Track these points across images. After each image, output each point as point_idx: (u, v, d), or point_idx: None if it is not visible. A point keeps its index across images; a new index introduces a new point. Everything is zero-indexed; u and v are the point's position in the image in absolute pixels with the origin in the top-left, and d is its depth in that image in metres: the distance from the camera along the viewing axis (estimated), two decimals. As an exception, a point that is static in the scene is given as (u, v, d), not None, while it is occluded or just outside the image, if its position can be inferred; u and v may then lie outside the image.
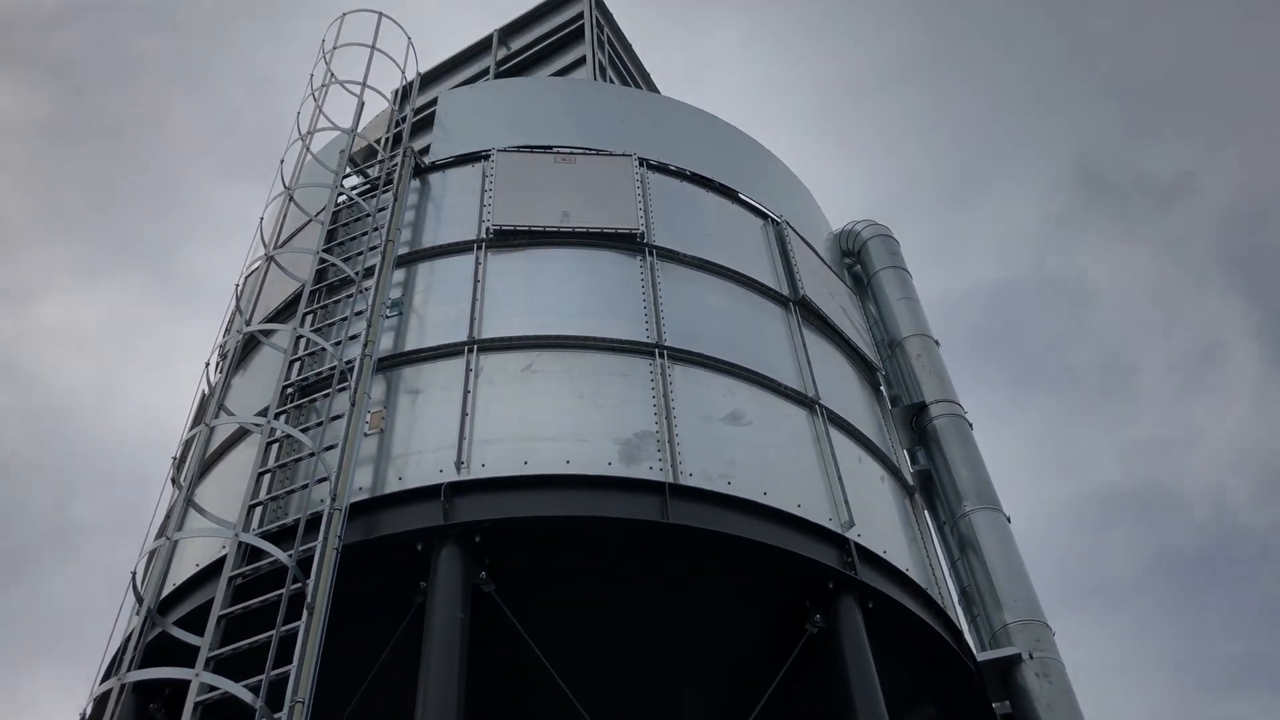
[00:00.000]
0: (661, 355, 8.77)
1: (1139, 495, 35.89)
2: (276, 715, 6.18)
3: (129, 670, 6.23)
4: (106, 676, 7.06)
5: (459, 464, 7.71)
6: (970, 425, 11.36)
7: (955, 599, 10.12)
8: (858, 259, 13.38)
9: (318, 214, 10.37)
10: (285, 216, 10.62)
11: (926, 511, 11.12)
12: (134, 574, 6.85)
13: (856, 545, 8.12)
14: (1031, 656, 9.12)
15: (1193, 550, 36.06)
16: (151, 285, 38.43)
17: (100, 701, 7.45)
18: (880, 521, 8.91)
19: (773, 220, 11.42)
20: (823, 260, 11.91)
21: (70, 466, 34.25)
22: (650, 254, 9.81)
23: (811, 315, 10.43)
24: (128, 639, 7.87)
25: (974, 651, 9.23)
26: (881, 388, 11.34)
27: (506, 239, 9.74)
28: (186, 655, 6.69)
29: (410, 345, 8.93)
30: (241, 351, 9.53)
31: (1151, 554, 35.81)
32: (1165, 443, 36.50)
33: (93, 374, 36.39)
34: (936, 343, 12.19)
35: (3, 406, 33.79)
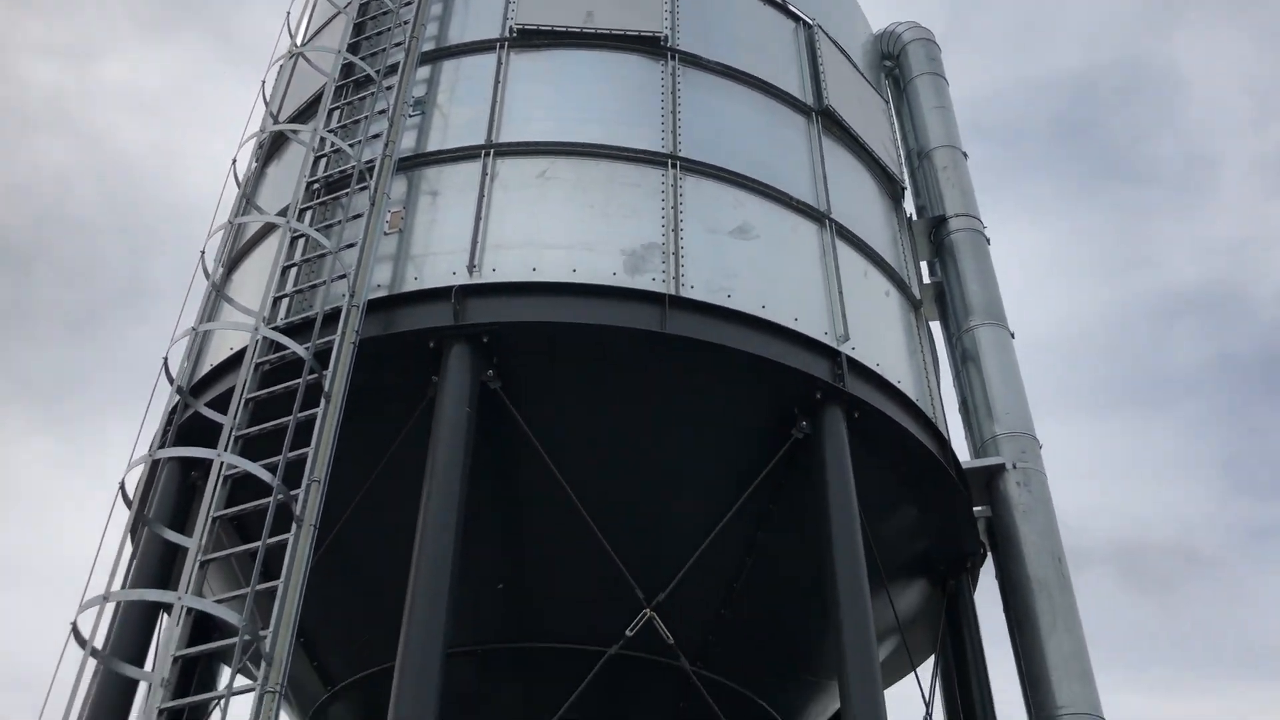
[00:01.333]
0: (674, 166, 8.94)
1: (1207, 294, 35.62)
2: (294, 492, 6.86)
3: (161, 447, 6.89)
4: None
5: (471, 267, 8.10)
6: (988, 241, 11.49)
7: (955, 411, 10.59)
8: (896, 63, 13.19)
9: (345, 6, 10.42)
10: (315, 5, 10.69)
11: (940, 324, 11.45)
12: (165, 359, 7.44)
13: (849, 358, 8.49)
14: (1015, 466, 9.61)
15: (1256, 354, 36.01)
16: (213, 45, 38.32)
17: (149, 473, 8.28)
18: (879, 335, 9.23)
19: (805, 23, 11.25)
20: (855, 66, 11.76)
21: (141, 226, 35.26)
22: (673, 58, 9.80)
23: (834, 125, 10.44)
24: (171, 413, 8.63)
25: (961, 461, 9.73)
26: (903, 201, 11.43)
27: (529, 39, 9.77)
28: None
29: (432, 146, 9.17)
30: (271, 146, 9.84)
31: (1213, 354, 35.82)
32: (1242, 243, 35.87)
33: (158, 134, 36.88)
34: (965, 155, 12.16)
35: (72, 165, 34.59)
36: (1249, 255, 36.11)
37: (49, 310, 33.37)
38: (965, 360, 10.55)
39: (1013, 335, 10.66)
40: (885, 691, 10.69)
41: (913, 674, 10.40)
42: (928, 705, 9.25)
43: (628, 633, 7.55)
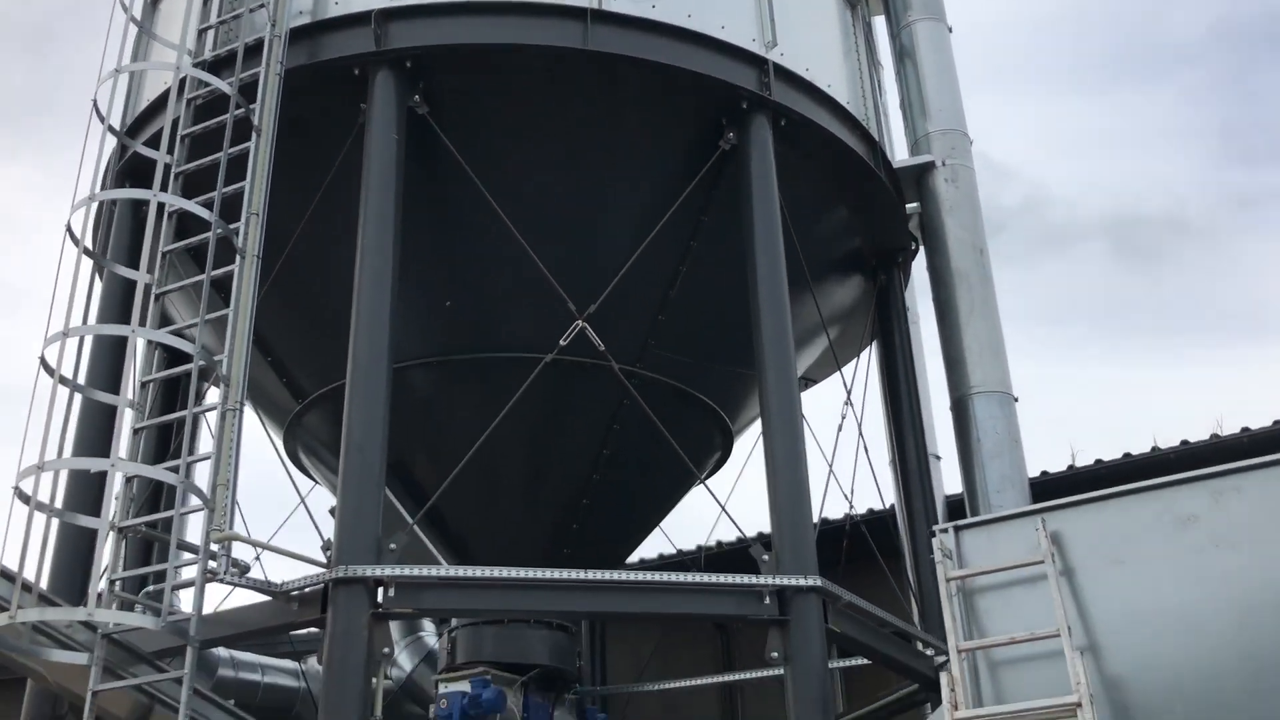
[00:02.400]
0: None
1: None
2: (233, 225, 7.20)
3: (101, 190, 7.16)
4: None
5: (391, -12, 8.05)
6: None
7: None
8: None
9: None
10: None
11: (884, 19, 11.38)
12: (94, 101, 7.56)
13: (775, 65, 8.58)
14: (944, 164, 9.89)
15: (1258, 14, 35.11)
16: None
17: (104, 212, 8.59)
18: (810, 38, 9.25)
19: None
20: None
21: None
22: None
23: None
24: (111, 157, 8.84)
25: (894, 161, 10.00)
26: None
27: None
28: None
29: None
30: None
31: (1214, 20, 34.90)
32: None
33: None
34: None
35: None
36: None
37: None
38: (903, 57, 10.59)
39: (950, 30, 10.64)
40: (826, 380, 11.52)
41: (853, 361, 11.16)
42: (848, 392, 10.00)
43: (561, 342, 8.08)
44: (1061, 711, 4.75)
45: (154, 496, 8.60)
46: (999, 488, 8.62)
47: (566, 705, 9.92)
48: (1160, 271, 36.29)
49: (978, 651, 5.32)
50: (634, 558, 12.40)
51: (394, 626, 11.89)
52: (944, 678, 5.06)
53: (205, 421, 7.22)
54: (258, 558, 7.45)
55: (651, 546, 12.60)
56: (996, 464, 8.74)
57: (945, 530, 5.62)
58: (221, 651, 10.87)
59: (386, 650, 6.66)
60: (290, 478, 9.39)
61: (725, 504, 8.57)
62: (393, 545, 6.76)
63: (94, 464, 6.45)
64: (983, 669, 5.30)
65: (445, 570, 6.90)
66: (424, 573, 6.75)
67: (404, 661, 11.82)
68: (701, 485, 9.31)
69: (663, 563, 12.37)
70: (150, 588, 7.79)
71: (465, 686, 8.94)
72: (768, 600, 7.19)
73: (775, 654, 7.12)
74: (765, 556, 7.38)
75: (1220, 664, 4.65)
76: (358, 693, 6.38)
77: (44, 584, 7.22)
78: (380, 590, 6.65)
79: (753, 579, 7.22)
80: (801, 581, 7.18)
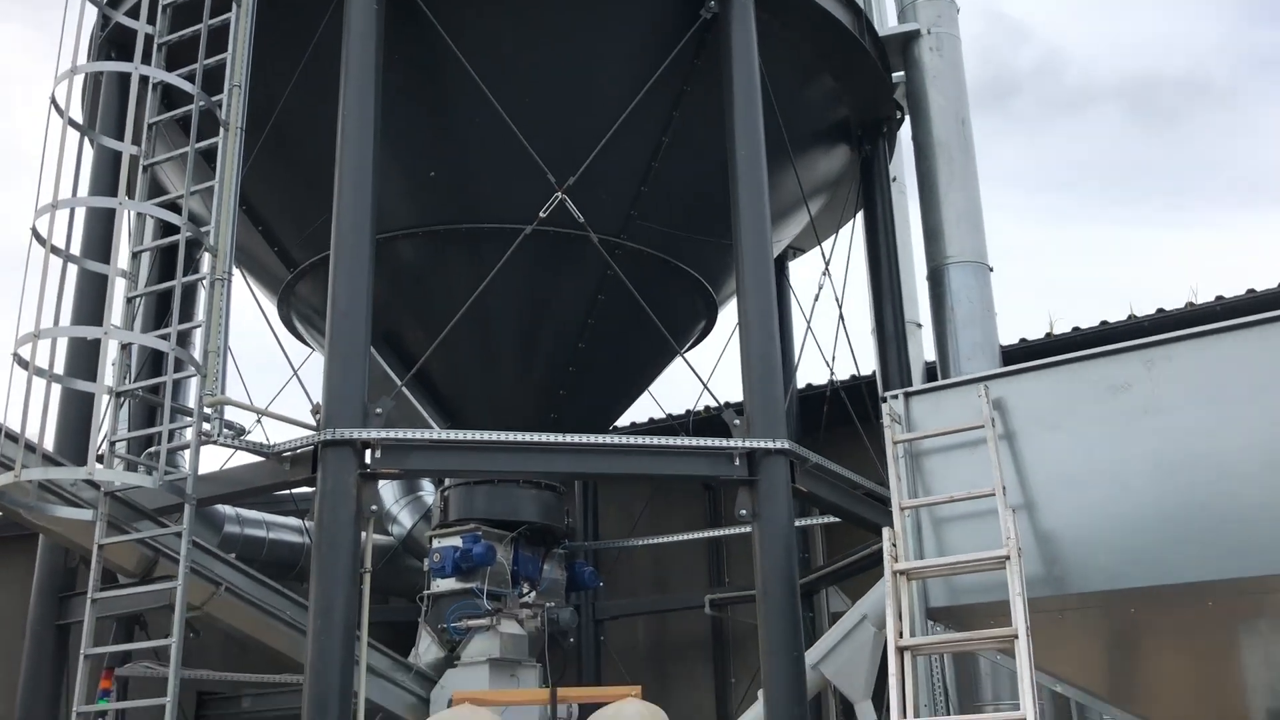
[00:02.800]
0: None
1: None
2: (216, 97, 7.32)
3: (86, 61, 7.25)
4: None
5: None
6: None
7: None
8: None
9: None
10: None
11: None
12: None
13: (758, -69, 8.51)
14: (930, 32, 9.85)
15: None
16: None
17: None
18: (796, -99, 9.12)
19: None
20: None
21: None
22: None
23: None
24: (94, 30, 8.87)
25: (879, 30, 9.95)
26: None
27: None
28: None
29: None
30: None
31: None
32: None
33: None
34: None
35: None
36: None
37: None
38: (892, -80, 10.43)
39: (943, -108, 10.42)
40: (816, 248, 11.67)
41: (842, 229, 11.31)
42: (826, 262, 10.17)
43: (541, 214, 8.25)
44: (992, 563, 5.09)
45: (157, 363, 8.93)
46: (970, 355, 8.88)
47: (556, 559, 10.42)
48: (1176, 135, 35.80)
49: (924, 510, 5.65)
50: (625, 421, 12.81)
51: (394, 486, 12.42)
52: (885, 533, 5.40)
53: (202, 290, 7.47)
54: (258, 421, 7.82)
55: (644, 411, 13.00)
56: (969, 332, 8.97)
57: (896, 396, 5.89)
58: (228, 509, 11.36)
59: (375, 508, 7.04)
60: (279, 344, 9.69)
61: (710, 373, 8.87)
62: (379, 409, 7.08)
63: (88, 332, 6.73)
64: (928, 526, 5.63)
65: (427, 433, 7.22)
66: (408, 435, 7.08)
67: (404, 519, 12.35)
68: (680, 356, 9.55)
69: (651, 426, 12.75)
70: (152, 449, 8.17)
71: (457, 541, 9.43)
72: (738, 462, 7.54)
73: (744, 511, 7.51)
74: (737, 421, 7.70)
75: (1141, 519, 4.96)
76: (348, 547, 6.78)
77: (50, 446, 7.62)
78: (367, 452, 6.99)
79: (724, 442, 7.55)
80: (770, 444, 7.51)
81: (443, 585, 9.48)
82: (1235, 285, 10.31)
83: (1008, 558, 4.97)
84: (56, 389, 7.03)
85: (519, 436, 7.30)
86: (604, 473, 7.79)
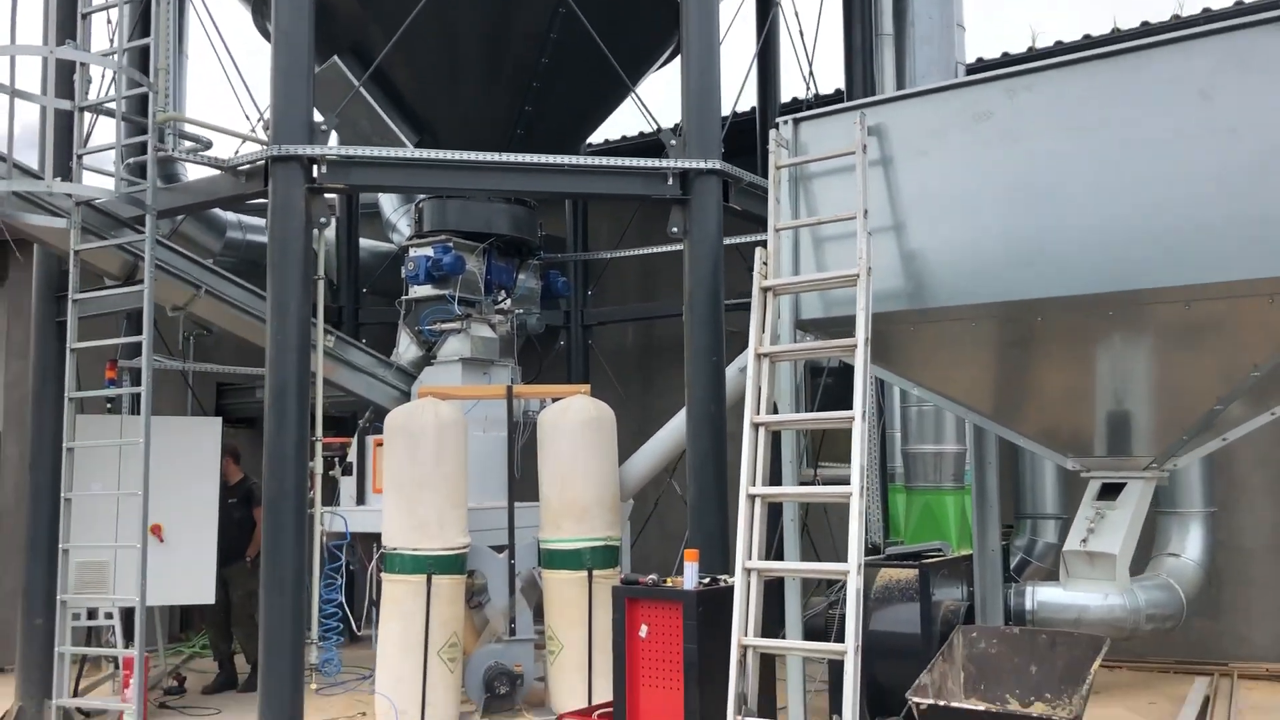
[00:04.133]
0: None
1: None
2: None
3: None
4: None
5: None
6: None
7: None
8: None
9: None
10: None
11: None
12: None
13: None
14: None
15: None
16: None
17: None
18: None
19: None
20: None
21: None
22: None
23: None
24: None
25: None
26: None
27: None
28: None
29: None
30: None
31: None
32: None
33: None
34: None
35: None
36: None
37: None
38: None
39: None
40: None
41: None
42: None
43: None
44: (843, 281, 5.52)
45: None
46: (925, 72, 8.90)
47: (531, 269, 11.02)
48: None
49: (807, 231, 6.02)
50: (600, 139, 13.06)
51: (394, 197, 12.93)
52: (758, 252, 5.80)
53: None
54: (253, 133, 8.24)
55: (634, 126, 13.18)
56: (926, 49, 8.95)
57: (786, 123, 6.12)
58: (230, 215, 12.00)
59: (324, 220, 7.54)
60: (232, 60, 9.94)
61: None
62: (324, 126, 7.45)
63: (34, 51, 7.03)
64: (810, 245, 6.02)
65: (369, 150, 7.58)
66: (351, 152, 7.49)
67: (403, 227, 12.91)
68: (630, 92, 9.65)
69: (622, 144, 13.02)
70: (129, 160, 8.68)
71: (429, 251, 10.01)
72: (671, 181, 7.89)
73: (675, 229, 7.92)
74: (673, 142, 7.97)
75: (986, 241, 5.30)
76: (298, 255, 7.36)
77: (44, 165, 8.11)
78: (314, 167, 7.43)
79: (658, 162, 7.87)
80: (702, 165, 7.82)
81: (419, 291, 10.15)
82: (1225, -3, 9.95)
83: (858, 275, 5.38)
84: (25, 106, 7.46)
85: (457, 155, 7.66)
86: (539, 191, 8.16)
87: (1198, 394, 5.37)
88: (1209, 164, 4.71)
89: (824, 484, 9.53)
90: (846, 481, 5.08)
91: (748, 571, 5.24)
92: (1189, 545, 10.06)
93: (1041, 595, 9.41)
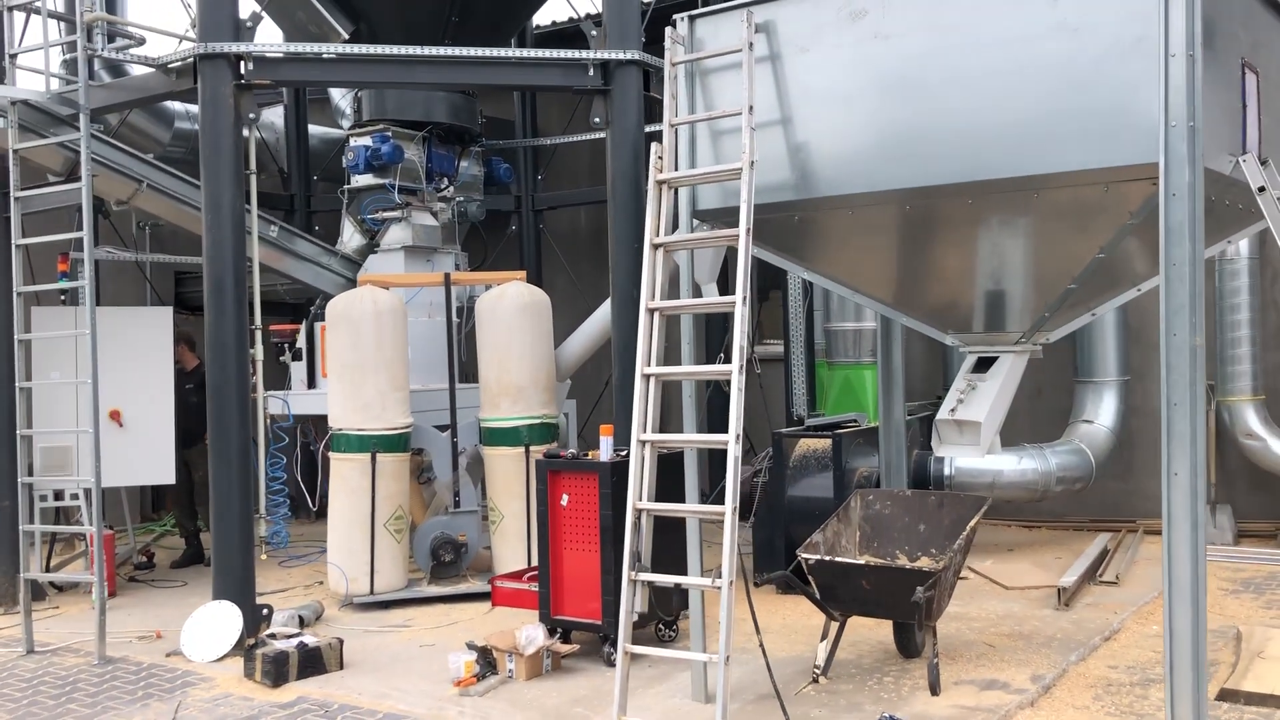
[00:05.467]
0: None
1: None
2: None
3: None
4: None
5: None
6: None
7: None
8: None
9: None
10: None
11: None
12: None
13: None
14: None
15: None
16: None
17: None
18: None
19: None
20: None
21: None
22: None
23: None
24: None
25: None
26: None
27: None
28: None
29: None
30: None
31: None
32: None
33: None
34: None
35: None
36: None
37: None
38: None
39: None
40: None
41: None
42: None
43: None
44: (729, 174, 5.87)
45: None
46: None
47: (473, 157, 11.27)
48: None
49: (705, 125, 6.33)
50: (548, 20, 13.13)
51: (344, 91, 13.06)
52: (654, 146, 6.12)
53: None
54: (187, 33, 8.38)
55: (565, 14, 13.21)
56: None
57: (683, 19, 6.35)
58: (178, 106, 12.13)
59: (252, 115, 7.80)
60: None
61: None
62: (249, 23, 7.65)
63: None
64: (708, 139, 6.33)
65: (291, 46, 7.80)
66: (275, 49, 7.71)
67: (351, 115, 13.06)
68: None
69: (568, 27, 13.11)
70: (65, 57, 8.87)
71: (368, 141, 10.26)
72: (592, 73, 8.14)
73: (597, 120, 8.21)
74: (594, 33, 8.20)
75: (862, 135, 5.61)
76: (230, 151, 7.65)
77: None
78: (241, 64, 7.66)
79: (578, 53, 8.11)
80: (621, 55, 8.06)
81: (360, 180, 10.43)
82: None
83: (741, 169, 5.73)
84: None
85: (374, 50, 7.89)
86: (458, 83, 8.40)
87: (1054, 275, 5.79)
88: (1052, 61, 5.03)
89: (760, 360, 10.02)
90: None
91: (642, 444, 5.71)
92: (1102, 412, 10.66)
93: (960, 462, 10.04)
